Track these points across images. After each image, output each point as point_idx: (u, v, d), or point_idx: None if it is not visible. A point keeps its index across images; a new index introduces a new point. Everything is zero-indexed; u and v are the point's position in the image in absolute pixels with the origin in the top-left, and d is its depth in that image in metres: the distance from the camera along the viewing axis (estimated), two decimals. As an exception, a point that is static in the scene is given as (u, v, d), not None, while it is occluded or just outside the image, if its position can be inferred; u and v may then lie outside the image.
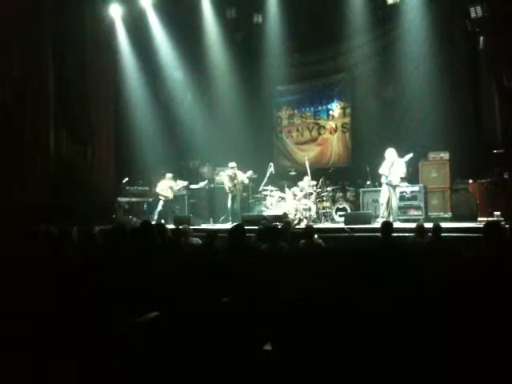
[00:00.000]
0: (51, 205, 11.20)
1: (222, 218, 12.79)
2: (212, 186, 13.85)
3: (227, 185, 12.10)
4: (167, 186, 12.85)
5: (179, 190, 13.19)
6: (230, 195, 12.07)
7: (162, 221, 11.71)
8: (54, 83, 12.70)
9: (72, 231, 5.91)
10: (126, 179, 13.30)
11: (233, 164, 12.06)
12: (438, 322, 2.67)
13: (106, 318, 3.09)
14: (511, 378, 2.48)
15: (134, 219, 12.06)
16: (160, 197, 12.82)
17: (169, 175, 13.02)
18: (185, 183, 13.38)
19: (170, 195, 12.83)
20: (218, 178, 13.79)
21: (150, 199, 13.91)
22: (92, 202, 12.78)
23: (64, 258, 4.60)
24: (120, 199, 13.16)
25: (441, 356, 2.54)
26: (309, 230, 7.03)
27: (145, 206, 13.87)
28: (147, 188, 14.03)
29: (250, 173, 12.20)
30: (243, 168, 12.19)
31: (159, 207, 12.77)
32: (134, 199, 13.57)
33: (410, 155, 10.46)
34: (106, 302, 3.27)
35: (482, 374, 2.49)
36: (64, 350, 2.85)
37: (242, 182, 12.09)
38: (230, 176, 12.05)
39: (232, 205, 12.05)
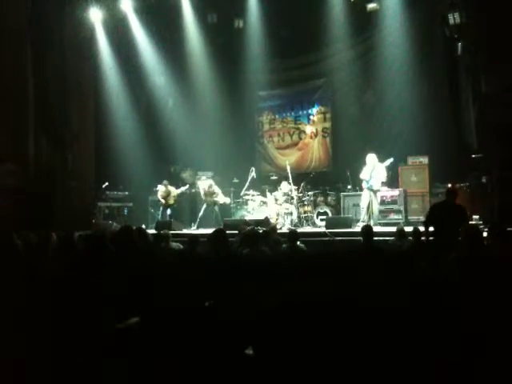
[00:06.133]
0: (30, 210, 11.05)
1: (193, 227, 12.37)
2: (193, 190, 13.76)
3: (202, 196, 12.09)
4: (166, 194, 12.70)
5: (180, 194, 13.03)
6: (204, 204, 12.04)
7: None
8: (34, 86, 12.55)
9: (51, 237, 5.85)
10: (106, 184, 13.21)
11: (210, 181, 12.07)
12: (420, 326, 2.69)
13: (86, 324, 3.06)
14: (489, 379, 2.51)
15: (114, 224, 11.96)
16: (159, 203, 12.72)
17: (165, 182, 12.83)
18: (186, 187, 13.21)
19: (171, 201, 12.69)
20: (199, 183, 13.73)
21: (130, 204, 13.81)
22: (71, 207, 12.66)
23: (43, 263, 4.55)
24: (100, 204, 13.06)
25: (424, 360, 2.55)
26: (292, 235, 6.98)
27: (125, 211, 13.75)
28: (127, 193, 13.94)
29: (228, 200, 12.34)
30: (224, 173, 12.12)
31: (168, 211, 12.65)
32: (113, 204, 13.49)
33: (391, 160, 10.55)
34: (87, 308, 3.23)
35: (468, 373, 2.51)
36: (44, 355, 2.81)
37: (217, 202, 12.08)
38: (204, 190, 12.03)
39: (204, 213, 12.01)
